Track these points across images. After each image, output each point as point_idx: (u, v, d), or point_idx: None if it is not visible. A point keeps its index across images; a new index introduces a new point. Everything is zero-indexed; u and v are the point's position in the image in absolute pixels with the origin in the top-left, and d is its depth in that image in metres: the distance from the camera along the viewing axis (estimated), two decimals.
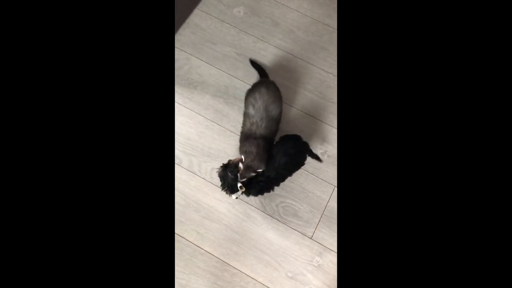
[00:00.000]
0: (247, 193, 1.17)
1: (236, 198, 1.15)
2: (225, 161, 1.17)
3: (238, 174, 1.11)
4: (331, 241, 1.22)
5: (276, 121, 1.23)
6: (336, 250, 1.22)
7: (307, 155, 1.24)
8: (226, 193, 1.14)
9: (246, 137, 1.20)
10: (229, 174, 1.12)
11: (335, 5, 1.55)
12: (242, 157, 1.14)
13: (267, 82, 1.29)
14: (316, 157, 1.27)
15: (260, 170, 1.13)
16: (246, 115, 1.24)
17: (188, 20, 1.50)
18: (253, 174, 1.13)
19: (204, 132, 1.34)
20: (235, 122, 1.35)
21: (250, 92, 1.26)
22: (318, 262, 1.20)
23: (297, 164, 1.20)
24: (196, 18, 1.50)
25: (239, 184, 1.12)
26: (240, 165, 1.12)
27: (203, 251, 1.20)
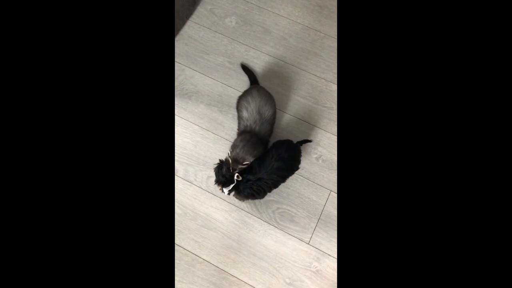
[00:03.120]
0: (238, 195, 1.17)
1: (228, 194, 1.15)
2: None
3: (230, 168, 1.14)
4: (329, 246, 1.22)
5: (270, 122, 1.25)
6: (333, 255, 1.21)
7: (301, 146, 1.27)
8: (218, 186, 1.15)
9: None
10: (224, 167, 1.14)
11: (326, 12, 1.57)
12: (229, 151, 1.16)
13: (257, 87, 1.31)
14: (307, 141, 1.33)
15: (247, 162, 1.14)
16: (240, 118, 1.26)
17: (181, 32, 1.52)
18: (242, 166, 1.14)
19: (199, 141, 1.36)
20: (229, 130, 1.36)
21: (242, 97, 1.28)
22: (316, 267, 1.19)
23: (291, 169, 1.21)
24: (189, 30, 1.53)
25: (235, 175, 1.12)
26: (229, 159, 1.15)
27: (201, 259, 1.20)
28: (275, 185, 1.18)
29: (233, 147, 1.16)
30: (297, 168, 1.23)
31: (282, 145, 1.19)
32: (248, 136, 1.17)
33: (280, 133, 1.36)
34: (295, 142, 1.25)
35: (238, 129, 1.28)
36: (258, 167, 1.15)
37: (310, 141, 1.34)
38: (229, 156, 1.15)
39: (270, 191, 1.19)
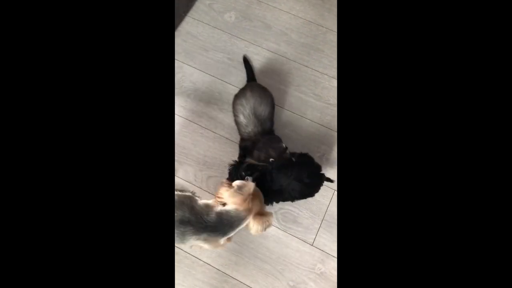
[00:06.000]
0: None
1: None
2: (226, 167, 1.18)
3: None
4: (333, 247, 1.18)
5: (270, 119, 1.22)
6: None
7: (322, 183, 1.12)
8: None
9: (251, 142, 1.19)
10: (242, 167, 1.10)
11: (328, 6, 1.52)
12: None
13: (251, 85, 1.27)
14: (329, 180, 1.15)
15: (260, 165, 1.09)
16: (238, 124, 1.23)
17: (179, 28, 1.48)
18: (256, 162, 1.11)
19: (199, 140, 1.32)
20: (230, 128, 1.33)
21: (237, 99, 1.24)
22: (320, 269, 1.16)
23: (305, 194, 1.09)
24: (188, 26, 1.49)
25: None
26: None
27: (201, 262, 1.17)
28: (282, 200, 1.12)
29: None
30: (311, 196, 1.11)
31: (307, 167, 1.06)
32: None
33: (282, 132, 1.32)
34: (304, 150, 1.16)
35: (240, 134, 1.24)
36: (271, 178, 1.04)
37: (332, 181, 1.15)
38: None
39: (272, 205, 1.14)
